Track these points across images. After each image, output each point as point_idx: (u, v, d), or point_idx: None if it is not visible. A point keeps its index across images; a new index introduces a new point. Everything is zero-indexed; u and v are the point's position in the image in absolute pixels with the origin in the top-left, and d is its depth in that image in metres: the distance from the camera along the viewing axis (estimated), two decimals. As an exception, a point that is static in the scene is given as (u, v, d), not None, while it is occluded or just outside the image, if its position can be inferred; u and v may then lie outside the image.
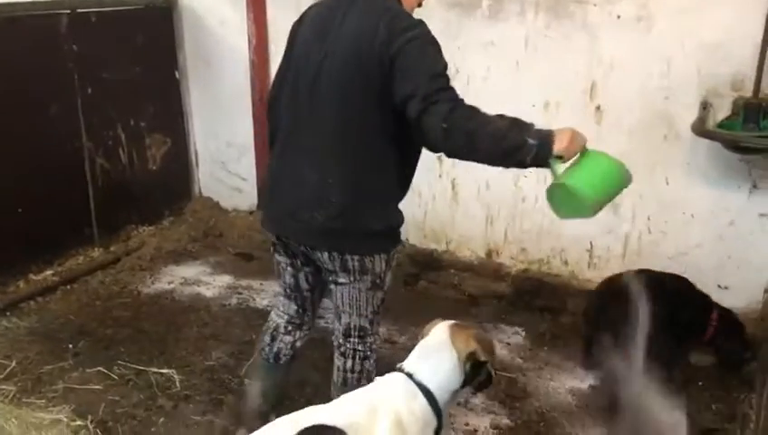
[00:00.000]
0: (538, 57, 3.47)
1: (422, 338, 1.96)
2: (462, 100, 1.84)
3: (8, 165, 3.56)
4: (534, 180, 3.57)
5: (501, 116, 1.83)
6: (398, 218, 2.10)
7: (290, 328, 2.37)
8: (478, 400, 2.88)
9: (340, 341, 2.24)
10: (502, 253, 3.83)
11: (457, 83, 3.63)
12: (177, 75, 4.60)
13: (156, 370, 3.00)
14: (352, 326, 2.20)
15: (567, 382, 3.04)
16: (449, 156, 1.94)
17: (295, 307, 2.34)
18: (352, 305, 2.15)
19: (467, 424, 2.73)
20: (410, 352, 3.11)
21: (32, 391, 2.85)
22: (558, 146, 1.79)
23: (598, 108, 3.37)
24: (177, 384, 2.92)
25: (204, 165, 4.86)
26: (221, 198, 4.82)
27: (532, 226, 3.68)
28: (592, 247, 3.55)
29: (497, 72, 3.58)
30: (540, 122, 3.46)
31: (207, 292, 3.85)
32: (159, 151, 4.55)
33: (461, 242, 3.96)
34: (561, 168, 1.82)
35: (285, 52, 2.15)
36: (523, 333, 3.44)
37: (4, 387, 2.82)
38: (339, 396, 1.91)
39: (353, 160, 1.98)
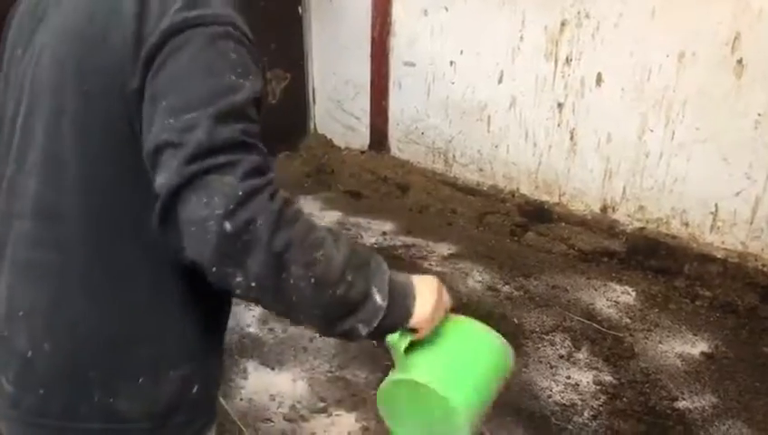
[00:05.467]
0: (677, 4, 3.24)
1: None
2: (272, 174, 0.93)
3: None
4: (662, 134, 3.40)
5: (332, 231, 0.96)
6: (188, 397, 1.06)
7: None
8: (582, 355, 2.84)
9: None
10: (618, 209, 3.69)
11: (585, 30, 3.52)
12: (300, 11, 4.65)
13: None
14: None
15: (676, 347, 2.93)
16: (230, 292, 0.96)
17: None
18: None
19: (569, 377, 2.70)
20: (514, 301, 3.11)
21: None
22: (419, 313, 0.99)
23: (739, 61, 3.13)
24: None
25: (320, 102, 4.93)
26: (334, 135, 4.89)
27: (653, 183, 3.51)
28: (717, 210, 3.35)
29: (630, 19, 3.38)
30: (671, 75, 3.31)
31: (318, 226, 3.96)
32: (279, 86, 4.65)
33: (575, 195, 3.84)
34: (406, 347, 1.01)
35: None
36: (634, 294, 3.33)
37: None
38: None
39: (72, 267, 0.98)
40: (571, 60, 3.60)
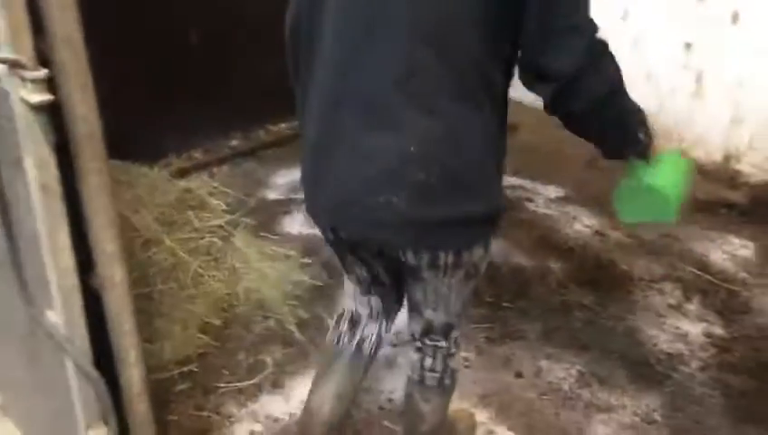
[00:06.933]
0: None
1: None
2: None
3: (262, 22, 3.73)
4: (800, 81, 3.16)
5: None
6: (502, 191, 1.49)
7: (375, 316, 1.81)
8: (692, 306, 2.76)
9: (418, 336, 1.71)
10: (742, 159, 3.49)
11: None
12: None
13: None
14: (436, 324, 1.65)
15: (798, 306, 2.79)
16: (562, 115, 1.46)
17: (380, 300, 1.78)
18: (438, 302, 1.59)
19: (678, 328, 2.64)
20: (623, 248, 3.02)
21: (268, 227, 3.19)
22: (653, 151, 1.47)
23: None
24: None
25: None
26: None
27: (786, 133, 3.30)
28: None
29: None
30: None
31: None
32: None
33: (695, 142, 3.65)
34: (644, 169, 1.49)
35: None
36: (753, 248, 3.17)
37: (246, 220, 3.18)
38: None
39: (448, 112, 1.32)
40: (705, -4, 3.38)
